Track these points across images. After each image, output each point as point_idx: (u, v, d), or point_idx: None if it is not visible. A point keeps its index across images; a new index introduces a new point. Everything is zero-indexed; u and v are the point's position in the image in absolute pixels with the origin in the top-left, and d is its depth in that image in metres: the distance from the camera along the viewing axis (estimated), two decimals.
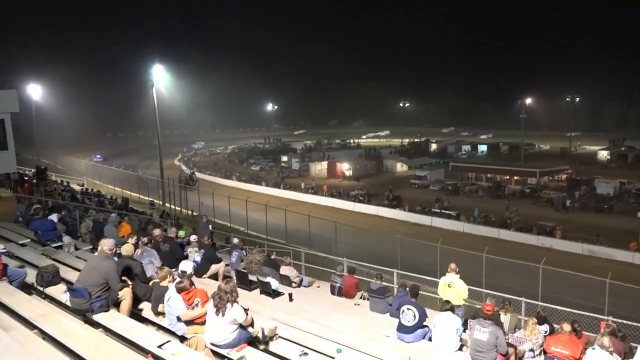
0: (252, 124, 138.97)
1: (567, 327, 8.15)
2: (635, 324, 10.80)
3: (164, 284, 7.61)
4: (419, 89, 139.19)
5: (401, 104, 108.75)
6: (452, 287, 10.50)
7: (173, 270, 8.32)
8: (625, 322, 10.64)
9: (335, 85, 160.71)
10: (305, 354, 6.40)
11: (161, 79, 40.43)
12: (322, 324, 8.36)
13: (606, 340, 7.35)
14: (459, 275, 10.67)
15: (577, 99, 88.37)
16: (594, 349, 7.32)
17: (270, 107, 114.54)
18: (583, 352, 7.49)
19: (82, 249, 12.31)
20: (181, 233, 14.25)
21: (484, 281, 17.27)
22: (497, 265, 19.49)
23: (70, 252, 11.85)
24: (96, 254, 8.69)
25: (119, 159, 73.90)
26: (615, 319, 10.60)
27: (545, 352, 7.89)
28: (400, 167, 68.51)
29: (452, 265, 10.89)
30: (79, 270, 8.62)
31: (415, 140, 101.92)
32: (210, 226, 18.24)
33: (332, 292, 12.26)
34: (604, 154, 71.42)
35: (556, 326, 9.15)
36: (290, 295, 10.38)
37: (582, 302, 13.73)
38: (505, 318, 9.41)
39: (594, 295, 16.64)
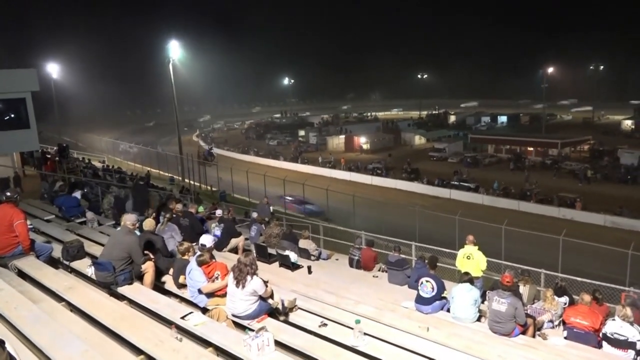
0: (269, 99, 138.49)
1: (587, 297, 8.14)
2: None
3: (185, 257, 7.76)
4: (438, 59, 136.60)
5: (419, 76, 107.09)
6: (471, 258, 10.53)
7: (193, 244, 8.46)
8: None
9: (352, 58, 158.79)
10: (325, 324, 6.50)
11: (177, 54, 40.46)
12: (341, 296, 8.46)
13: (628, 311, 7.33)
14: (477, 247, 10.67)
15: (602, 67, 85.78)
16: (614, 319, 7.31)
17: (286, 81, 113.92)
18: (603, 323, 7.47)
19: (105, 225, 12.57)
20: (200, 208, 14.43)
21: (503, 253, 17.20)
22: (516, 238, 19.36)
23: (93, 227, 12.13)
24: (119, 229, 8.89)
25: (139, 136, 74.66)
26: (636, 290, 10.53)
27: (564, 323, 7.90)
28: (419, 140, 67.87)
29: (470, 237, 10.89)
30: (102, 244, 8.83)
31: (434, 112, 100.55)
32: (271, 207, 18.44)
33: (351, 265, 12.37)
34: (628, 124, 69.60)
35: (576, 297, 9.13)
36: (309, 267, 10.50)
37: (602, 274, 13.59)
38: (524, 289, 9.40)
39: (615, 267, 16.44)
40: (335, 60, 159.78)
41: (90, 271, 7.42)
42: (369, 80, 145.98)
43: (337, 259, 13.53)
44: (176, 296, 7.58)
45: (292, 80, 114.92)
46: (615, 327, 7.18)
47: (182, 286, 7.52)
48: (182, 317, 5.98)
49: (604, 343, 7.26)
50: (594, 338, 7.38)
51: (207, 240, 7.85)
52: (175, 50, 40.09)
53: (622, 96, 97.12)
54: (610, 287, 11.38)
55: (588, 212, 30.98)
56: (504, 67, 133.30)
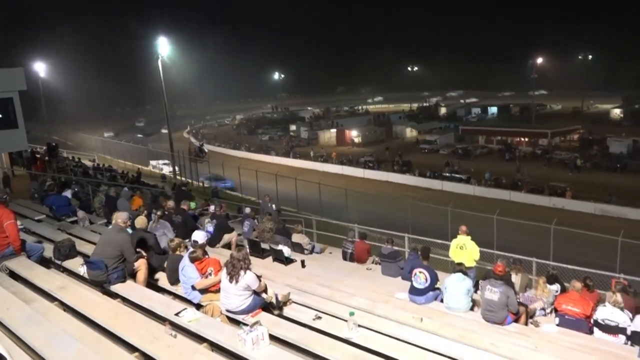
0: (259, 94, 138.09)
1: (578, 284, 8.22)
2: None
3: (177, 254, 7.74)
4: (427, 52, 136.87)
5: (409, 68, 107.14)
6: (464, 249, 10.61)
7: (186, 240, 8.45)
8: (636, 279, 10.66)
9: (342, 51, 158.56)
10: (319, 317, 6.53)
11: (166, 51, 40.16)
12: (335, 289, 8.50)
13: (619, 297, 7.43)
14: (470, 237, 10.74)
15: (590, 57, 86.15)
16: (605, 306, 7.41)
17: (276, 76, 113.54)
18: (594, 309, 7.56)
19: (96, 223, 12.52)
20: (193, 205, 14.39)
21: (495, 243, 17.30)
22: (508, 227, 19.50)
23: (85, 226, 12.07)
24: (110, 227, 8.85)
25: (128, 133, 74.16)
26: (626, 276, 10.65)
27: (556, 310, 7.99)
28: (410, 132, 67.99)
29: (463, 227, 10.97)
30: (94, 243, 8.78)
31: (424, 104, 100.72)
32: (273, 205, 18.36)
33: (344, 258, 12.40)
34: (617, 112, 70.15)
35: (567, 285, 9.22)
36: (302, 262, 10.52)
37: (593, 261, 13.71)
38: (516, 278, 9.48)
39: (605, 254, 16.62)
40: (325, 55, 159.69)
41: (82, 270, 7.39)
42: (358, 73, 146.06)
43: (330, 253, 13.56)
44: (170, 293, 7.57)
45: (282, 75, 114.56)
46: (606, 313, 7.27)
47: (176, 283, 7.52)
48: (176, 314, 5.98)
49: (595, 329, 7.35)
50: (585, 324, 7.47)
51: (199, 236, 7.84)
52: (164, 47, 39.79)
53: (611, 86, 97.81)
54: (601, 274, 11.51)
55: (578, 201, 31.26)
56: (492, 59, 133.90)
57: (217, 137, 76.28)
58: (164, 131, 76.67)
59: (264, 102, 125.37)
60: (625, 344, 7.05)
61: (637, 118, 64.74)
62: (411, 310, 7.68)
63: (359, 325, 5.99)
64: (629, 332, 7.04)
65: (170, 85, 44.78)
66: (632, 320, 7.14)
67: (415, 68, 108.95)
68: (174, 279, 7.54)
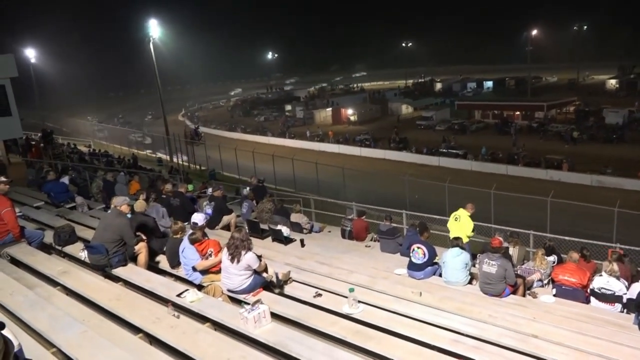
0: (253, 75, 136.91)
1: (575, 255, 8.33)
2: None
3: (177, 237, 7.79)
4: (421, 27, 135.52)
5: (404, 44, 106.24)
6: (459, 220, 10.64)
7: (185, 223, 8.49)
8: (632, 247, 10.78)
9: (335, 28, 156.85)
10: (319, 294, 6.61)
11: (157, 33, 39.61)
12: (334, 267, 8.58)
13: (615, 266, 7.53)
14: (469, 214, 10.69)
15: (585, 27, 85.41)
16: (601, 275, 7.51)
17: (270, 56, 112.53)
18: (590, 279, 7.67)
19: (95, 208, 12.54)
20: (190, 187, 14.41)
21: (493, 217, 17.41)
22: (505, 201, 19.60)
23: (83, 211, 12.10)
24: (109, 211, 8.88)
25: (125, 117, 73.64)
26: (622, 246, 10.77)
27: (553, 281, 8.10)
28: (406, 109, 67.76)
29: (469, 205, 10.90)
30: (94, 228, 8.81)
31: (420, 80, 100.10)
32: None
33: (343, 236, 12.47)
34: (612, 83, 69.89)
35: (564, 256, 9.33)
36: (302, 241, 10.58)
37: (590, 232, 13.85)
38: (513, 251, 9.59)
39: (602, 224, 16.75)
40: (318, 33, 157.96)
41: (83, 255, 7.43)
42: (353, 51, 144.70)
43: (329, 231, 13.62)
44: (171, 275, 7.63)
45: (276, 55, 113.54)
46: (603, 282, 7.38)
47: (176, 266, 7.58)
48: (178, 295, 6.05)
49: (592, 298, 7.47)
50: (582, 294, 7.59)
51: (198, 218, 7.87)
52: (154, 29, 39.24)
53: (607, 56, 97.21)
54: (598, 244, 11.61)
55: (575, 173, 31.40)
56: (486, 33, 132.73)
57: (212, 119, 75.93)
58: (148, 118, 76.34)
59: (259, 83, 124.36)
60: (622, 312, 7.17)
61: (632, 88, 64.56)
62: (410, 285, 7.77)
63: (359, 301, 6.07)
64: (624, 300, 7.15)
65: (164, 68, 44.27)
66: (627, 288, 7.26)
67: (410, 44, 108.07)
68: (175, 262, 7.60)
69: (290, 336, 5.09)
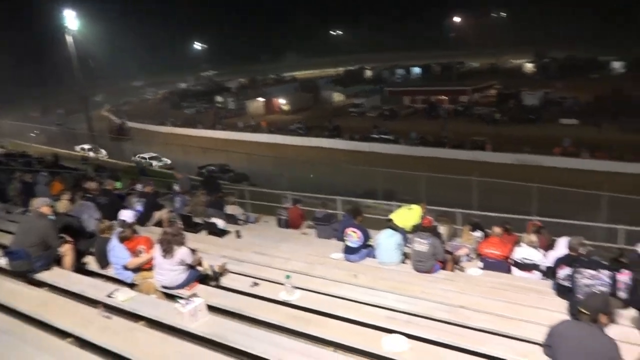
0: (180, 67, 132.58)
1: (497, 230, 8.82)
2: (557, 220, 11.73)
3: (105, 236, 7.49)
4: (349, 16, 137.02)
5: (333, 32, 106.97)
6: (411, 210, 10.22)
7: (113, 221, 8.17)
8: (548, 219, 11.54)
9: (264, 17, 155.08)
10: (256, 284, 6.61)
11: (75, 25, 37.45)
12: (271, 255, 8.59)
13: (533, 237, 8.07)
14: (422, 213, 10.23)
15: (504, 14, 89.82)
16: (521, 246, 8.03)
17: (198, 47, 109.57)
18: (512, 250, 8.17)
19: (14, 212, 11.78)
20: (118, 184, 13.85)
21: (425, 199, 18.00)
22: (435, 183, 20.33)
23: (1, 216, 11.33)
24: (29, 214, 8.38)
25: (43, 116, 69.30)
26: (540, 218, 11.51)
27: (479, 255, 8.55)
28: (337, 97, 68.40)
29: (424, 205, 10.55)
30: (13, 233, 8.29)
31: (350, 68, 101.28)
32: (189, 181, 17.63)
33: (279, 225, 12.48)
34: (529, 67, 74.11)
35: (489, 231, 9.84)
36: (237, 232, 10.49)
37: (513, 208, 14.69)
38: (442, 229, 9.97)
39: (523, 200, 17.82)
40: (249, 25, 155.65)
41: (3, 262, 6.99)
42: (283, 40, 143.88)
43: (265, 221, 13.58)
44: (101, 276, 7.33)
45: (205, 46, 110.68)
46: (523, 252, 7.88)
47: (105, 266, 7.30)
48: (108, 295, 5.84)
49: (514, 268, 7.96)
50: (505, 265, 8.06)
51: (127, 215, 7.62)
52: (71, 20, 37.08)
53: (525, 40, 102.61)
54: (519, 218, 12.34)
55: (498, 153, 33.13)
56: (411, 19, 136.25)
57: (140, 113, 73.03)
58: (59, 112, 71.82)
59: (188, 75, 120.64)
60: (543, 279, 7.70)
61: (547, 71, 68.80)
62: (346, 268, 7.93)
63: (296, 287, 6.14)
64: (543, 268, 7.68)
65: (82, 62, 41.99)
66: (545, 257, 7.80)
67: (339, 32, 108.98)
68: (104, 262, 7.30)
69: (229, 327, 5.08)
